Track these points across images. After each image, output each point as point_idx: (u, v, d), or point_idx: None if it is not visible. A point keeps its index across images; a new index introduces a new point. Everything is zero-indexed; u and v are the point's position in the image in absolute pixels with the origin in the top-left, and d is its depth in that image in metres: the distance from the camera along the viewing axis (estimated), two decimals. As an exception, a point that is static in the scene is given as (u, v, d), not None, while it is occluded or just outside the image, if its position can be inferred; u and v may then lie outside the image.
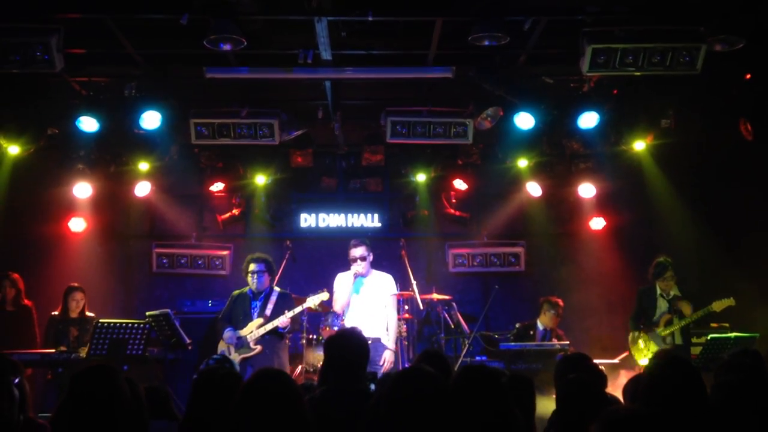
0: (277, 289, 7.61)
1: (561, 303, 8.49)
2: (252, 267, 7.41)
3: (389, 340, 7.31)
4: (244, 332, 7.31)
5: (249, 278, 7.43)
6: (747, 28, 6.16)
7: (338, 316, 8.52)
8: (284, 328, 7.37)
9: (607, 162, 9.24)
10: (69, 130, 8.10)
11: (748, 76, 7.40)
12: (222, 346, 7.36)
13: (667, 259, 7.78)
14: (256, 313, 7.39)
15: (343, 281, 7.46)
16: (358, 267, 7.35)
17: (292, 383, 2.83)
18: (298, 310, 7.37)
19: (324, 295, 7.52)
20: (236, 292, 7.66)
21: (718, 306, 7.40)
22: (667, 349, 7.40)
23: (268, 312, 7.35)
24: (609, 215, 9.81)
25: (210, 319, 8.49)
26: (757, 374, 3.68)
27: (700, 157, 9.00)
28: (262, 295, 7.47)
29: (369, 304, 7.39)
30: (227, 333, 7.32)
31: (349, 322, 7.44)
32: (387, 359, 7.18)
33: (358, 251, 7.38)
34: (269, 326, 7.25)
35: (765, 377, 3.72)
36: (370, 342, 7.05)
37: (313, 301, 7.47)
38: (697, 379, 3.11)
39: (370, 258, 7.47)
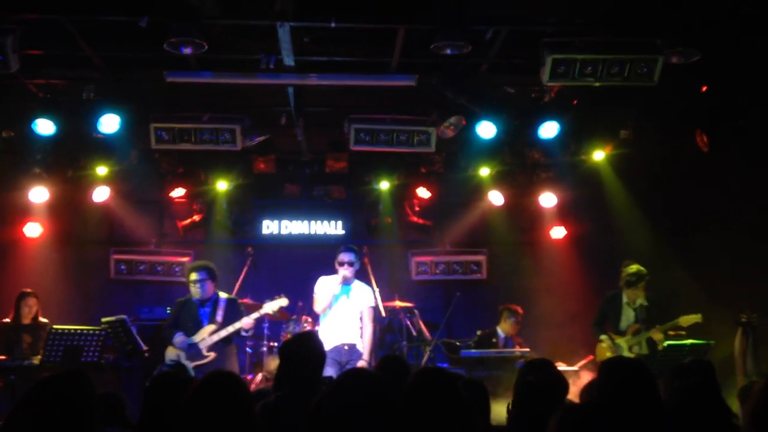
0: (223, 295, 7.44)
1: (520, 310, 8.56)
2: (193, 276, 7.24)
3: (365, 350, 7.30)
4: (195, 339, 7.15)
5: (192, 288, 7.26)
6: (702, 41, 6.30)
7: (299, 324, 8.47)
8: (248, 331, 7.31)
9: (567, 171, 9.37)
10: (25, 133, 7.95)
11: (704, 88, 7.56)
12: (171, 353, 7.16)
13: (641, 268, 7.79)
14: (206, 320, 7.24)
15: (327, 283, 7.40)
16: (346, 272, 7.32)
17: (242, 385, 2.82)
18: (255, 315, 7.27)
19: (282, 301, 7.46)
20: (181, 299, 7.47)
21: (684, 321, 7.45)
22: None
23: (219, 318, 7.22)
24: (569, 224, 9.94)
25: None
26: (708, 380, 3.74)
27: (658, 167, 9.16)
28: (209, 302, 7.31)
29: (347, 310, 7.39)
30: (178, 338, 7.13)
31: (326, 326, 7.40)
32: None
33: (347, 256, 7.36)
34: (224, 332, 7.12)
35: (716, 383, 3.79)
36: (346, 347, 7.24)
37: (270, 307, 7.39)
38: (646, 376, 3.16)
39: (357, 266, 7.47)
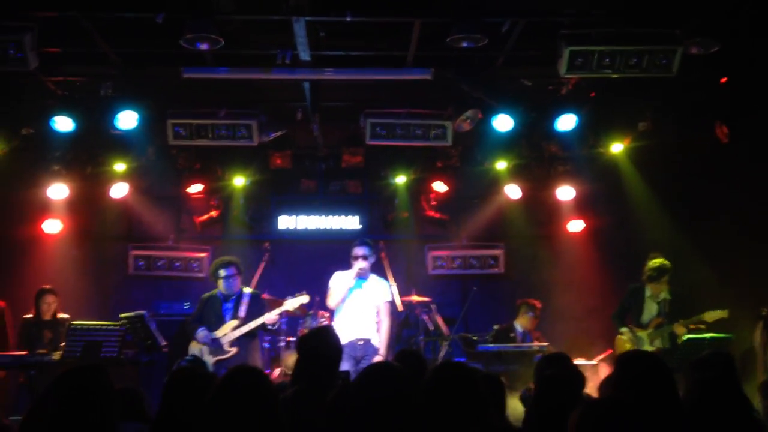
0: (247, 290, 7.50)
1: (539, 305, 8.51)
2: (222, 272, 7.31)
3: (381, 345, 7.23)
4: (218, 334, 7.22)
5: (220, 283, 7.33)
6: (722, 31, 6.22)
7: (316, 319, 8.48)
8: (273, 325, 7.34)
9: (585, 164, 9.30)
10: (44, 130, 8.02)
11: (724, 79, 7.47)
12: (194, 348, 7.24)
13: (665, 262, 7.70)
14: (229, 316, 7.30)
15: (342, 278, 7.37)
16: (362, 264, 7.27)
17: (266, 380, 2.81)
18: (278, 311, 7.29)
19: (303, 298, 7.46)
20: (206, 295, 7.54)
21: (710, 317, 7.35)
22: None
23: (242, 313, 7.27)
24: (587, 217, 9.86)
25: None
26: (728, 373, 3.70)
27: (677, 159, 9.07)
28: (233, 297, 7.37)
29: (363, 305, 7.31)
30: (201, 332, 7.22)
31: (340, 321, 7.34)
32: None
33: (362, 250, 7.30)
34: (246, 328, 7.17)
35: (736, 376, 3.74)
36: (360, 342, 7.18)
37: (291, 303, 7.40)
38: (663, 369, 3.14)
39: (372, 260, 7.41)
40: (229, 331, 7.18)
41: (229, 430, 2.68)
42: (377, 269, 8.09)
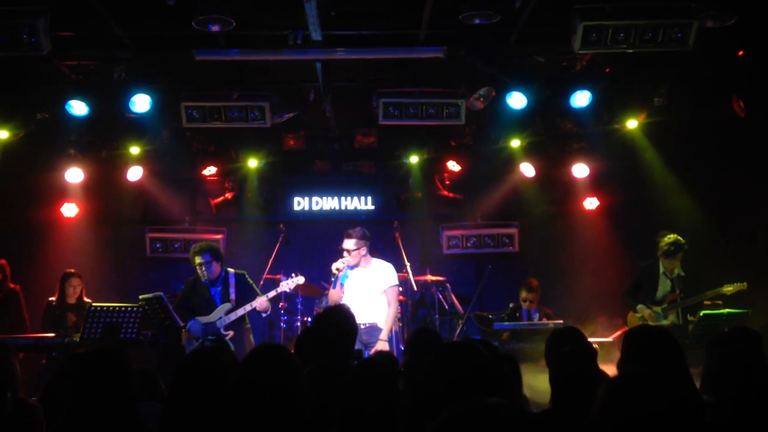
0: (231, 270, 7.35)
1: (534, 282, 8.39)
2: (198, 260, 7.13)
3: (384, 330, 6.95)
4: (212, 318, 7.11)
5: (198, 271, 7.17)
6: (738, 3, 6.12)
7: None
8: (266, 311, 7.25)
9: (600, 141, 9.24)
10: (59, 114, 8.05)
11: (741, 52, 7.37)
12: (186, 336, 7.15)
13: (680, 238, 7.58)
14: (219, 300, 7.19)
15: (336, 274, 7.06)
16: (344, 261, 6.99)
17: (294, 358, 2.85)
18: (272, 294, 7.21)
19: (299, 279, 7.38)
20: (190, 279, 7.40)
21: (727, 290, 7.26)
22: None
23: (232, 296, 7.18)
24: (602, 195, 9.82)
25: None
26: (753, 346, 3.68)
27: (692, 134, 8.98)
28: (219, 281, 7.24)
29: (366, 290, 7.03)
30: (191, 325, 7.11)
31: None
32: (378, 349, 6.78)
33: (346, 244, 7.00)
34: (241, 311, 7.08)
35: (761, 350, 3.72)
36: (362, 326, 6.69)
37: (287, 285, 7.35)
38: (671, 342, 3.15)
39: (363, 251, 7.01)
40: (223, 315, 7.08)
41: (258, 407, 2.71)
42: (391, 249, 8.05)
